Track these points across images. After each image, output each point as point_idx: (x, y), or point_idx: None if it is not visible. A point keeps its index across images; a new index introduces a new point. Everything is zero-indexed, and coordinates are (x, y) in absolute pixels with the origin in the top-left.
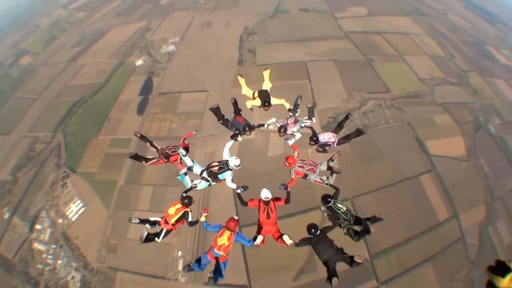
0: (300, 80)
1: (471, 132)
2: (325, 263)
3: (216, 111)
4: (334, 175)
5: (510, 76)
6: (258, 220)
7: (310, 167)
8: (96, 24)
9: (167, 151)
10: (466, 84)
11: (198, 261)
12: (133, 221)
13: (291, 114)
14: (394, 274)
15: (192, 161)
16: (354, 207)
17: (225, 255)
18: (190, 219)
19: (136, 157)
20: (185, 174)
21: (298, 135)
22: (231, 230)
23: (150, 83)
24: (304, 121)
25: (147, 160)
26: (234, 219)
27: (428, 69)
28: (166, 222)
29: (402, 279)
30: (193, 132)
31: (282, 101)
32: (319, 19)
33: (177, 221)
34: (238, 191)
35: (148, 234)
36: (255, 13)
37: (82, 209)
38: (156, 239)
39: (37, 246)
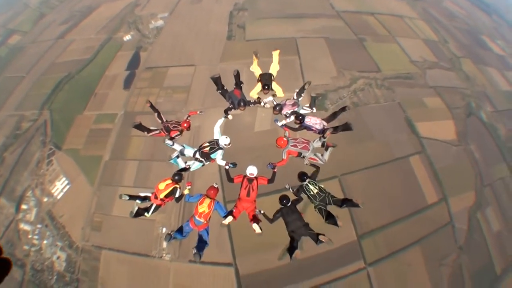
0: (290, 56)
1: (462, 117)
2: (291, 235)
3: (217, 80)
4: (330, 149)
5: (504, 66)
6: (238, 195)
7: (303, 145)
8: (85, 1)
9: (168, 125)
10: (458, 70)
11: (180, 230)
12: (123, 198)
13: (295, 97)
14: (382, 256)
15: (182, 145)
16: (342, 185)
17: (205, 222)
18: (177, 195)
19: (140, 126)
20: (177, 157)
21: (292, 118)
22: (211, 198)
23: (137, 58)
24: (304, 107)
25: (149, 130)
26: (214, 187)
27: (421, 52)
28: (156, 197)
29: (390, 261)
30: (198, 112)
31: (279, 90)
32: None
33: (166, 196)
34: (227, 167)
35: (139, 208)
36: None
37: (67, 187)
38: (146, 214)
39: (23, 226)
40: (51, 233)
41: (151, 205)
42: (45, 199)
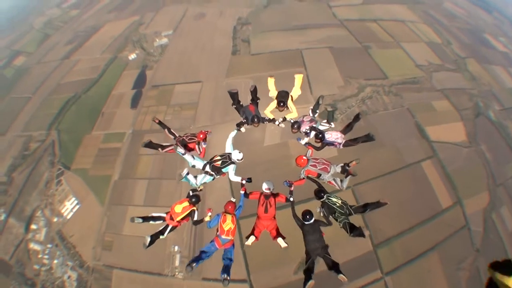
0: (296, 68)
1: (471, 118)
2: (308, 254)
3: (234, 95)
4: (349, 177)
5: (509, 63)
6: (257, 214)
7: (323, 166)
8: (89, 21)
9: (184, 138)
10: (464, 71)
11: (198, 257)
12: (136, 221)
13: (310, 114)
14: (399, 264)
15: (193, 157)
16: (355, 195)
17: (232, 238)
18: (195, 218)
19: (151, 145)
20: (187, 173)
21: (312, 134)
22: (231, 214)
23: (143, 76)
24: (322, 123)
25: (163, 147)
26: (232, 202)
27: (425, 56)
28: (172, 219)
29: (407, 268)
30: (208, 131)
31: (294, 110)
32: (314, 8)
33: (182, 218)
34: (243, 182)
35: (152, 236)
36: (249, 3)
37: (77, 207)
38: (161, 236)
39: (33, 246)
40: (61, 253)
41: (166, 226)
42: (55, 219)
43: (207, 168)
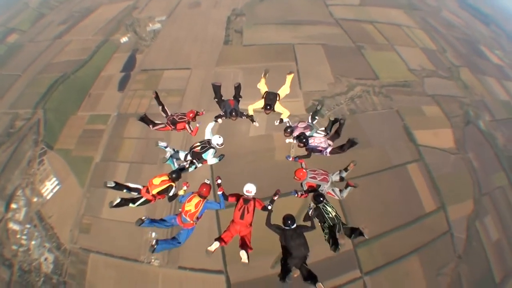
0: (287, 62)
1: (460, 126)
2: (285, 260)
3: (217, 88)
4: (349, 188)
5: (502, 76)
6: (233, 217)
7: (322, 177)
8: (84, 2)
9: (174, 117)
10: (457, 79)
11: (153, 221)
12: (108, 185)
13: (309, 120)
14: (378, 265)
15: (173, 149)
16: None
17: (192, 222)
18: (171, 193)
19: (145, 119)
20: (171, 157)
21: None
22: (203, 196)
23: (133, 60)
24: (319, 131)
25: (154, 124)
26: (206, 183)
27: (419, 61)
28: (148, 192)
29: (387, 270)
30: (201, 112)
31: (286, 112)
32: (310, 4)
33: (159, 193)
34: (219, 182)
35: (122, 199)
36: None
37: (57, 187)
38: (131, 204)
39: (12, 226)
40: (39, 234)
41: (140, 197)
42: (35, 199)
43: (188, 157)
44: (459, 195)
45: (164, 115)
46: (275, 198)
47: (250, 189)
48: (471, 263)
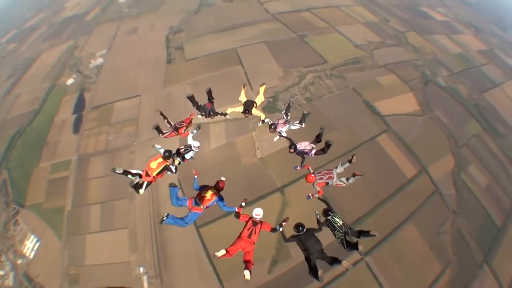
0: (233, 67)
1: (420, 87)
2: (308, 258)
3: (191, 98)
4: (357, 177)
5: (450, 31)
6: (240, 234)
7: (328, 175)
8: (26, 53)
9: (176, 125)
10: (405, 44)
11: (172, 192)
12: (117, 171)
13: (284, 117)
14: (376, 242)
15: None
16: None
17: (201, 208)
18: (173, 170)
19: (158, 129)
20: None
21: (284, 133)
22: (217, 190)
23: (82, 100)
24: (294, 124)
25: (163, 133)
26: (222, 180)
27: (364, 36)
28: (148, 175)
29: (386, 245)
30: (196, 113)
31: (262, 116)
32: (245, 6)
33: (157, 174)
34: (243, 204)
35: (134, 185)
36: (179, 11)
37: (37, 244)
38: (140, 191)
39: None
40: None
41: (143, 182)
42: (19, 261)
43: (174, 156)
44: (437, 153)
45: (169, 125)
46: (283, 223)
47: (258, 213)
48: (468, 215)
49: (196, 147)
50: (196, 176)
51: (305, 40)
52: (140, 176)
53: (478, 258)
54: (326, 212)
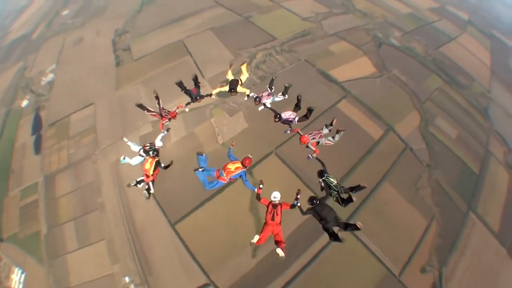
0: (182, 58)
1: (374, 50)
2: (325, 227)
3: (180, 84)
4: (341, 133)
5: None
6: (265, 220)
7: (318, 135)
8: None
9: (163, 112)
10: (353, 10)
11: (199, 167)
12: (132, 185)
13: (268, 90)
14: (355, 208)
15: (134, 144)
16: (282, 158)
17: (225, 178)
18: (163, 165)
19: (142, 106)
20: (124, 158)
21: (268, 104)
22: (244, 166)
23: (39, 119)
24: (278, 96)
25: (148, 110)
26: (249, 157)
27: (310, 8)
28: (148, 176)
29: (364, 209)
30: (184, 106)
31: (247, 91)
32: None
33: (153, 170)
34: (261, 186)
35: (147, 190)
36: (122, 13)
37: (23, 276)
38: (151, 191)
39: None
40: None
41: (148, 184)
42: None
43: (141, 152)
44: (401, 111)
45: (158, 106)
46: (298, 196)
47: (276, 196)
48: (443, 166)
49: (159, 147)
50: (232, 147)
51: (251, 21)
52: (144, 181)
53: (462, 207)
54: (321, 173)
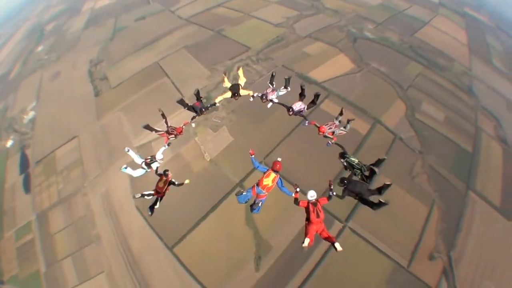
0: (159, 80)
1: (349, 46)
2: (363, 200)
3: (182, 102)
4: (351, 122)
5: None
6: (307, 219)
7: (334, 125)
8: None
9: (169, 129)
10: (323, 10)
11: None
12: (136, 197)
13: (270, 86)
14: (352, 206)
15: (137, 155)
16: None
17: (266, 193)
18: (176, 182)
19: (149, 127)
20: (126, 168)
21: (275, 100)
22: (276, 172)
23: (25, 158)
24: (281, 90)
25: (156, 130)
26: (278, 161)
27: (281, 14)
28: (158, 192)
29: (363, 206)
30: (189, 122)
31: (250, 92)
32: (158, 20)
33: (166, 189)
34: (297, 190)
35: (151, 207)
36: (96, 43)
37: None
38: (156, 207)
39: None
40: None
41: (156, 199)
42: None
43: (143, 164)
44: (385, 103)
45: (166, 125)
46: (331, 187)
47: (313, 195)
48: (435, 150)
49: (159, 159)
50: (253, 156)
51: (224, 34)
52: (153, 195)
53: (460, 188)
54: (343, 154)
